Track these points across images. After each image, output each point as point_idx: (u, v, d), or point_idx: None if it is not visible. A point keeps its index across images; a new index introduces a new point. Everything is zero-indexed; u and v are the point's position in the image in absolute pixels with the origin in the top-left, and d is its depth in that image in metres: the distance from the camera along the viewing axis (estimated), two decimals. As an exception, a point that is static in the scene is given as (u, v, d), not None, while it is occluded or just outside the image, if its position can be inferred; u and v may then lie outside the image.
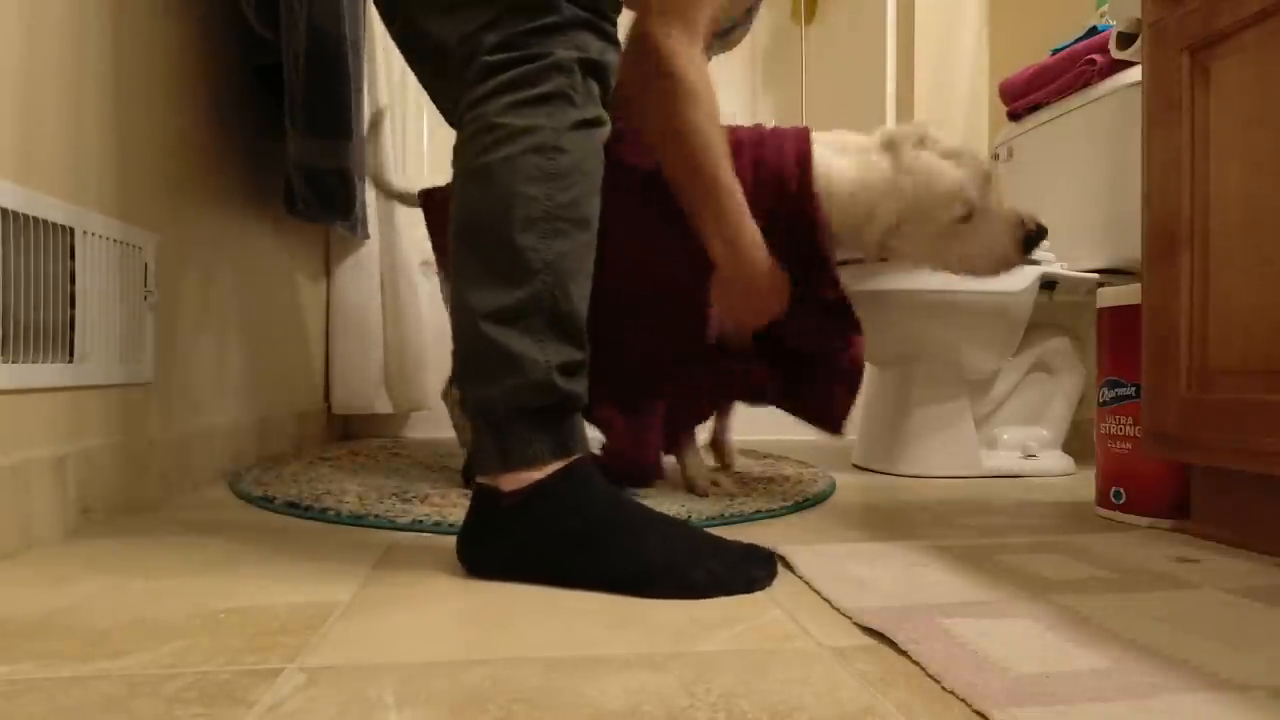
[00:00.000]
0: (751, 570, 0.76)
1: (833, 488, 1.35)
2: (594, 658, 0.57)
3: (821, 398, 1.20)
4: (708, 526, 0.99)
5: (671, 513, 0.96)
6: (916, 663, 0.56)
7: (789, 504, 1.15)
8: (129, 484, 1.02)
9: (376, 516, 0.99)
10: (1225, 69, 0.93)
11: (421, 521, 0.97)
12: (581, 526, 0.74)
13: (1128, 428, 1.12)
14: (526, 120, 0.76)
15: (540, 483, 0.75)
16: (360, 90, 1.67)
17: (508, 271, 0.75)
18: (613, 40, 0.83)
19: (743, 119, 1.07)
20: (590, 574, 0.73)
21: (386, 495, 1.12)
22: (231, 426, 1.35)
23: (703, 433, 1.37)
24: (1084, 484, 1.45)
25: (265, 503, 1.09)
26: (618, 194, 0.91)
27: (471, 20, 0.78)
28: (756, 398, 1.24)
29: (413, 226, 1.89)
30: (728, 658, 0.57)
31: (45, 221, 0.86)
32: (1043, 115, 1.73)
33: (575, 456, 0.77)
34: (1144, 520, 1.09)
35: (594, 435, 0.91)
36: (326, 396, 1.92)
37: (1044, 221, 1.13)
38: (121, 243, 1.00)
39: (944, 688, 0.52)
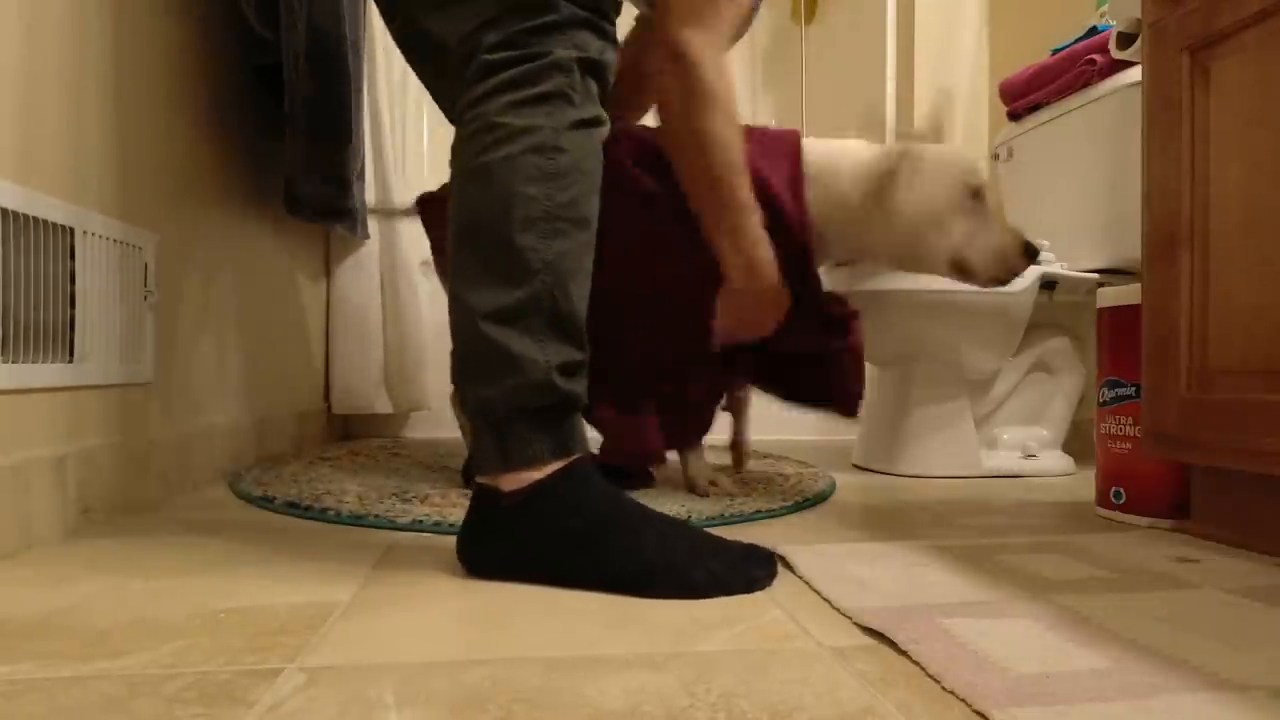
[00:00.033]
0: (751, 570, 0.76)
1: (833, 488, 1.35)
2: (594, 658, 0.57)
3: (835, 382, 1.19)
4: (708, 526, 0.99)
5: (671, 513, 0.96)
6: (916, 663, 0.56)
7: (789, 504, 1.15)
8: (129, 484, 1.02)
9: (376, 516, 0.99)
10: (1225, 69, 0.93)
11: (421, 521, 0.97)
12: (581, 526, 0.74)
13: (1128, 428, 1.12)
14: (526, 120, 0.76)
15: (540, 483, 0.75)
16: (360, 90, 1.67)
17: (507, 271, 0.75)
18: (612, 39, 0.83)
19: (743, 119, 1.06)
20: (590, 574, 0.73)
21: (386, 495, 1.12)
22: (231, 426, 1.35)
23: (722, 434, 1.37)
24: (1084, 484, 1.45)
25: (265, 503, 1.09)
26: (618, 194, 0.91)
27: (470, 19, 0.78)
28: (764, 387, 1.24)
29: (413, 226, 1.89)
30: (728, 658, 0.57)
31: (45, 221, 0.86)
32: (1043, 115, 1.73)
33: (575, 456, 0.77)
34: (1144, 520, 1.09)
35: (594, 436, 0.91)
36: (326, 396, 1.92)
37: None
38: (121, 243, 1.00)
39: (944, 688, 0.52)
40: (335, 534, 0.94)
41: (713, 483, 1.20)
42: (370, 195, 1.84)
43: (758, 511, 1.09)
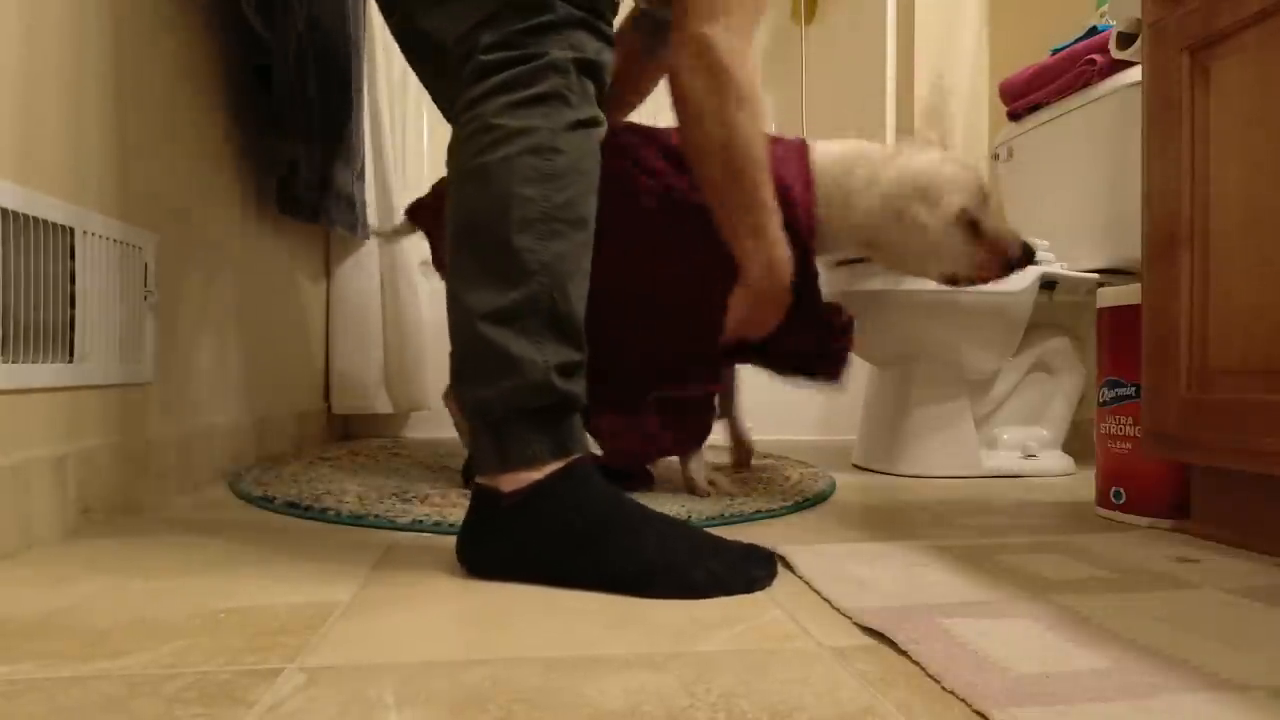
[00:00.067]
0: (751, 570, 0.76)
1: (833, 487, 1.35)
2: (593, 658, 0.57)
3: (824, 357, 1.18)
4: (708, 526, 0.99)
5: (671, 513, 0.96)
6: (916, 663, 0.56)
7: (789, 504, 1.15)
8: (129, 484, 1.02)
9: (376, 516, 0.99)
10: (1225, 69, 0.93)
11: (421, 521, 0.97)
12: (581, 526, 0.74)
13: (1128, 428, 1.12)
14: (523, 121, 0.76)
15: (539, 483, 0.75)
16: (360, 90, 1.67)
17: (505, 272, 0.75)
18: (608, 39, 0.82)
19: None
20: (590, 574, 0.73)
21: (386, 495, 1.12)
22: (231, 426, 1.35)
23: (721, 434, 1.37)
24: (1084, 484, 1.45)
25: (265, 503, 1.09)
26: (619, 193, 0.91)
27: (466, 17, 0.78)
28: (749, 359, 1.22)
29: (412, 226, 1.89)
30: (728, 658, 0.57)
31: (45, 221, 0.86)
32: (1043, 115, 1.73)
33: (574, 456, 0.77)
34: (1144, 520, 1.09)
35: (592, 444, 0.91)
36: (326, 396, 1.92)
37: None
38: (121, 243, 1.00)
39: (944, 688, 0.52)
40: (335, 534, 0.94)
41: (712, 483, 1.20)
42: (370, 195, 1.84)
43: (758, 511, 1.09)
